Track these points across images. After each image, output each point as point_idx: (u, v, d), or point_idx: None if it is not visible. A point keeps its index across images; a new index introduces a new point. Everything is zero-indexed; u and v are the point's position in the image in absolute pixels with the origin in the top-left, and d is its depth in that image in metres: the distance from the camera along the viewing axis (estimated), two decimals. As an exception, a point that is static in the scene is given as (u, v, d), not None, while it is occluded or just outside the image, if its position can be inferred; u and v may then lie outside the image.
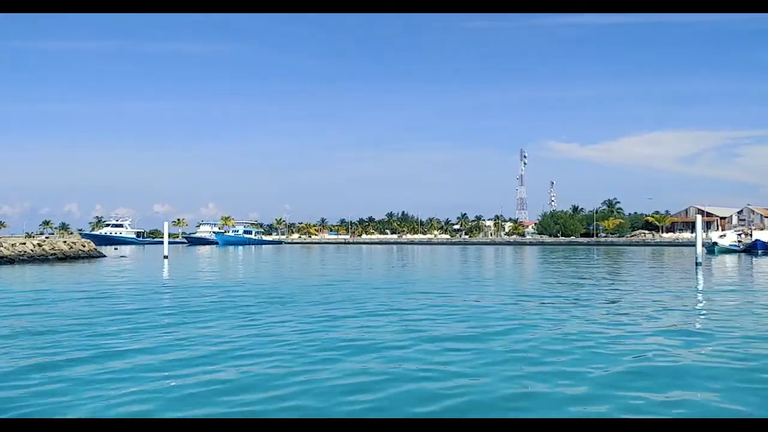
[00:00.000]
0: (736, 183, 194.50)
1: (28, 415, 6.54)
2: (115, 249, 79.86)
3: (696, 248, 35.34)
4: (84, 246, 46.32)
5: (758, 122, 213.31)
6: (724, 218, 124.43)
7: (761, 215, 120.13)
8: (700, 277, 26.74)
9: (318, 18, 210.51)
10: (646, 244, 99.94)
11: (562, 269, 32.25)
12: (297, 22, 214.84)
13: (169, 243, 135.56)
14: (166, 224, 49.65)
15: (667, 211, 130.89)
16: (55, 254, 41.42)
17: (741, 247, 59.11)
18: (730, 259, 45.43)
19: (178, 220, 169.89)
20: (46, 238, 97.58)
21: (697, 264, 33.46)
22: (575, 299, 17.15)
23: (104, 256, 47.71)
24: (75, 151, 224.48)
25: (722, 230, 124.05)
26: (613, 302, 16.43)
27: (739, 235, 63.63)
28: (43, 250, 40.77)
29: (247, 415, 6.57)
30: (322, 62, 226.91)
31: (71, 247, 44.01)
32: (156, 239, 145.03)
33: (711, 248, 56.54)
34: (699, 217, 37.93)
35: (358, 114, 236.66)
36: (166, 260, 44.11)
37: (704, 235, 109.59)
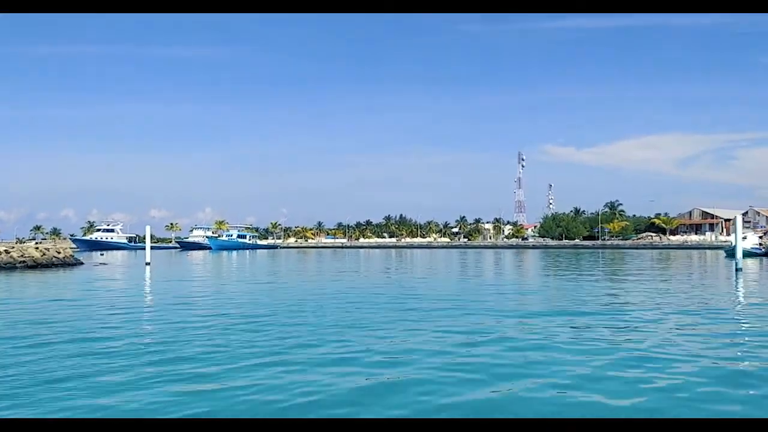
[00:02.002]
0: (732, 186, 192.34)
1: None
2: (101, 255, 76.25)
3: (736, 252, 31.93)
4: (59, 252, 42.67)
5: (755, 125, 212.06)
6: (728, 220, 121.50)
7: (767, 217, 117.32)
8: (741, 285, 23.44)
9: (315, 21, 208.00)
10: (653, 247, 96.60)
11: (613, 283, 28.82)
12: (294, 25, 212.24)
13: (162, 248, 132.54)
14: (148, 228, 45.88)
15: (666, 214, 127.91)
16: (24, 262, 37.79)
17: (762, 250, 55.63)
18: (753, 264, 42.10)
19: (171, 224, 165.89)
20: (37, 243, 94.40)
21: (737, 270, 30.05)
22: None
23: (82, 263, 44.05)
24: (72, 155, 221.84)
25: (727, 232, 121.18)
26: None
27: (761, 237, 60.04)
28: (11, 257, 37.14)
29: None
30: (320, 65, 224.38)
31: (44, 254, 40.36)
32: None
33: (732, 252, 52.77)
34: (739, 218, 34.46)
35: (355, 117, 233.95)
36: (148, 267, 40.52)
37: (713, 237, 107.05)
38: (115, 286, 26.29)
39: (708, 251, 76.96)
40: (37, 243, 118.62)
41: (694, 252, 75.37)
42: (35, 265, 38.25)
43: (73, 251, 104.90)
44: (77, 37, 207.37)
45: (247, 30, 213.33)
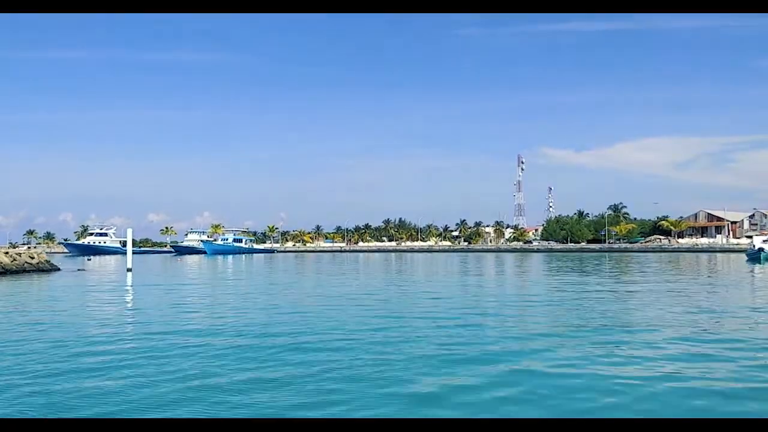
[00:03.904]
0: (732, 188, 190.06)
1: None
2: (89, 260, 72.93)
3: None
4: (32, 258, 39.42)
5: (753, 128, 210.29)
6: (735, 223, 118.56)
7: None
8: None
9: (313, 24, 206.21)
10: (662, 250, 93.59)
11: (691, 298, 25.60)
12: (291, 30, 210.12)
13: (157, 252, 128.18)
14: (129, 231, 42.47)
15: (666, 216, 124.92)
16: (-9, 268, 34.57)
17: (787, 253, 52.29)
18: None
19: (167, 228, 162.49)
20: (29, 248, 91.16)
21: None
22: None
23: (58, 269, 40.81)
24: (71, 159, 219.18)
25: (734, 235, 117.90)
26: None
27: (782, 240, 56.64)
28: (-23, 263, 33.92)
29: None
30: (317, 70, 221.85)
31: (14, 260, 37.09)
32: (143, 249, 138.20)
33: (756, 255, 49.71)
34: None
35: (354, 120, 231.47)
36: (129, 274, 37.22)
37: (723, 240, 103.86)
38: (72, 296, 22.98)
39: (719, 254, 73.69)
40: (30, 247, 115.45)
41: (707, 256, 72.03)
42: (4, 272, 35.00)
43: (65, 256, 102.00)
44: (76, 42, 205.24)
45: (246, 33, 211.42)
